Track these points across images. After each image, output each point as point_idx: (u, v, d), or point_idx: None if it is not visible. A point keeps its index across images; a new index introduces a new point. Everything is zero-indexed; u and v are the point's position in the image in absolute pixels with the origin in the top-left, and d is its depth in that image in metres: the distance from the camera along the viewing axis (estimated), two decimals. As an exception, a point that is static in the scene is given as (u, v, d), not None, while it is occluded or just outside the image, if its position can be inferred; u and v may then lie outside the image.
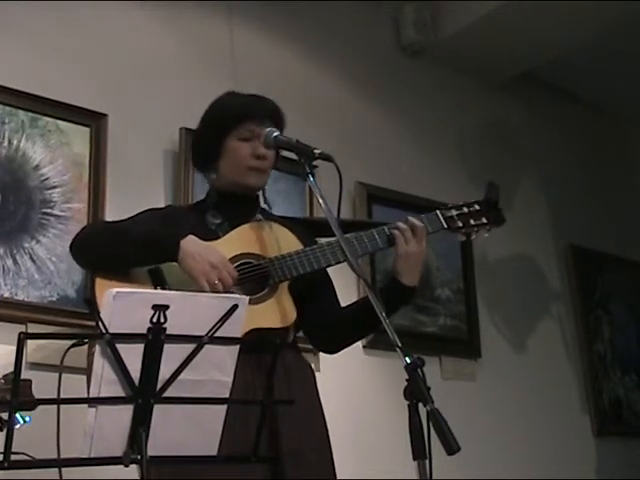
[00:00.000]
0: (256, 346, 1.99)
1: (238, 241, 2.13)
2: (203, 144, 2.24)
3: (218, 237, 2.13)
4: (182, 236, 1.99)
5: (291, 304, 2.09)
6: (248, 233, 2.16)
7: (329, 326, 2.21)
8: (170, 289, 2.00)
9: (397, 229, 2.15)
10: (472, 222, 2.25)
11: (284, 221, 2.25)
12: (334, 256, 2.11)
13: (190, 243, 1.99)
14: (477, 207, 2.26)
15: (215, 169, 2.22)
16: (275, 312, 2.06)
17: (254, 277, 2.08)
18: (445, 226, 2.23)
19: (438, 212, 2.23)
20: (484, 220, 2.26)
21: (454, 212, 2.24)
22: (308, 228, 2.26)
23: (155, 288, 2.01)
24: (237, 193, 2.21)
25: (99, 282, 2.01)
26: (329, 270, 2.22)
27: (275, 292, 2.08)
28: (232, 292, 1.99)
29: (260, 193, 2.27)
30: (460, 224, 2.24)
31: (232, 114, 2.20)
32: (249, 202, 2.24)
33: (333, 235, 2.02)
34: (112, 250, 2.04)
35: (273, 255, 2.10)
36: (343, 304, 2.27)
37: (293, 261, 2.09)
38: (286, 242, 2.16)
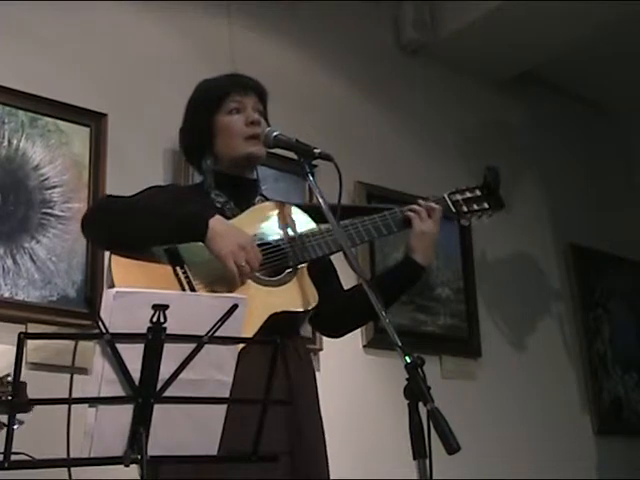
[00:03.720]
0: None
1: (253, 221, 2.09)
2: (193, 130, 2.20)
3: (226, 216, 2.07)
4: (210, 215, 1.95)
5: (312, 287, 2.06)
6: (262, 213, 2.13)
7: (336, 311, 2.19)
8: (189, 268, 1.97)
9: (412, 210, 2.17)
10: (475, 207, 2.27)
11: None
12: (360, 237, 2.13)
13: (219, 223, 1.94)
14: (478, 192, 2.28)
15: (210, 153, 2.16)
16: (299, 295, 2.03)
17: (275, 259, 2.05)
18: (453, 210, 2.24)
19: (446, 196, 2.25)
20: (486, 205, 2.28)
21: (459, 197, 2.26)
22: (310, 214, 2.21)
23: (174, 268, 1.97)
24: (236, 175, 2.17)
25: (115, 259, 1.95)
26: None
27: (295, 274, 2.06)
28: (255, 276, 1.98)
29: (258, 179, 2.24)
30: (465, 209, 2.26)
31: (214, 92, 2.18)
32: (248, 184, 2.20)
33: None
34: (134, 229, 1.97)
35: (289, 236, 2.08)
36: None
37: (311, 243, 2.08)
38: (301, 223, 2.13)
